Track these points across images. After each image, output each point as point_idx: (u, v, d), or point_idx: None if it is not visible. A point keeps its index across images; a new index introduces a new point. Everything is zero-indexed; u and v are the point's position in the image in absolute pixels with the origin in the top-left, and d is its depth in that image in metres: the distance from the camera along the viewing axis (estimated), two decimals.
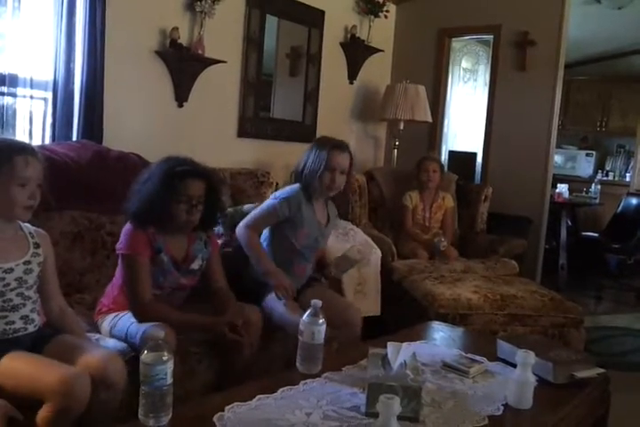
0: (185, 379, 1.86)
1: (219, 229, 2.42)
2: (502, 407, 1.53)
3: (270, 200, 2.32)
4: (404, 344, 1.63)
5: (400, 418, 1.25)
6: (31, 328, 1.64)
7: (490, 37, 4.42)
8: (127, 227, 1.99)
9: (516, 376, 1.55)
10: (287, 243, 2.33)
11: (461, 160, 4.65)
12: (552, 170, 4.28)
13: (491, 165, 4.35)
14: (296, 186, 2.33)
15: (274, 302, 2.20)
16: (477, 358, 1.83)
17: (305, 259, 2.39)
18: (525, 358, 1.55)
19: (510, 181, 4.13)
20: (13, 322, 1.60)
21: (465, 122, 5.07)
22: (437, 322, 2.34)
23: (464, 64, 5.06)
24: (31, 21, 2.49)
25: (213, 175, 2.07)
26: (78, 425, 1.46)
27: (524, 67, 4.14)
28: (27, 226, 1.70)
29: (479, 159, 4.50)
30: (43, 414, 1.42)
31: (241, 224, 2.31)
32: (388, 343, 1.63)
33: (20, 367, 1.49)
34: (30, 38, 2.49)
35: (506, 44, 4.22)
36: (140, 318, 1.90)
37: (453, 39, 4.61)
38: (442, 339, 2.13)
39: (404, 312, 3.02)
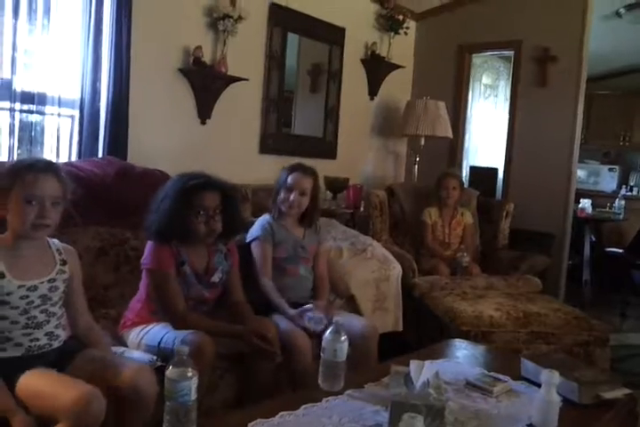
0: (206, 394, 1.86)
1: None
2: None
3: (254, 242, 2.40)
4: (427, 362, 1.61)
5: None
6: (56, 344, 1.64)
7: (510, 53, 4.42)
8: (150, 243, 2.06)
9: (541, 396, 1.52)
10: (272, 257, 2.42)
11: (483, 176, 4.63)
12: (575, 185, 4.24)
13: (512, 180, 4.34)
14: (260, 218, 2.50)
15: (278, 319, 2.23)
16: (501, 376, 1.81)
17: (293, 264, 2.43)
18: (550, 377, 1.52)
19: (532, 197, 4.10)
20: (38, 339, 1.59)
21: (486, 137, 5.06)
22: (460, 340, 2.32)
23: (485, 80, 5.06)
24: (59, 40, 2.56)
25: (227, 185, 2.11)
26: None
27: (545, 82, 4.13)
28: (55, 242, 1.69)
29: (500, 175, 4.49)
30: None
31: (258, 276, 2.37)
32: (411, 361, 1.61)
33: (39, 385, 1.48)
34: (58, 57, 2.56)
35: (527, 60, 4.22)
36: (180, 328, 1.93)
37: (474, 55, 4.63)
38: (465, 357, 2.10)
39: (425, 329, 3.00)
